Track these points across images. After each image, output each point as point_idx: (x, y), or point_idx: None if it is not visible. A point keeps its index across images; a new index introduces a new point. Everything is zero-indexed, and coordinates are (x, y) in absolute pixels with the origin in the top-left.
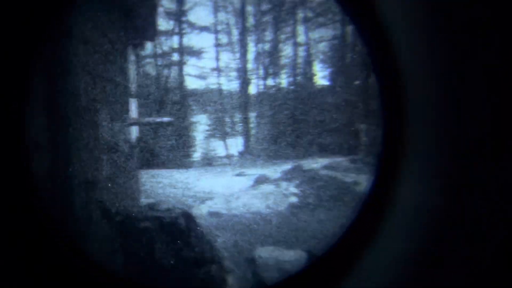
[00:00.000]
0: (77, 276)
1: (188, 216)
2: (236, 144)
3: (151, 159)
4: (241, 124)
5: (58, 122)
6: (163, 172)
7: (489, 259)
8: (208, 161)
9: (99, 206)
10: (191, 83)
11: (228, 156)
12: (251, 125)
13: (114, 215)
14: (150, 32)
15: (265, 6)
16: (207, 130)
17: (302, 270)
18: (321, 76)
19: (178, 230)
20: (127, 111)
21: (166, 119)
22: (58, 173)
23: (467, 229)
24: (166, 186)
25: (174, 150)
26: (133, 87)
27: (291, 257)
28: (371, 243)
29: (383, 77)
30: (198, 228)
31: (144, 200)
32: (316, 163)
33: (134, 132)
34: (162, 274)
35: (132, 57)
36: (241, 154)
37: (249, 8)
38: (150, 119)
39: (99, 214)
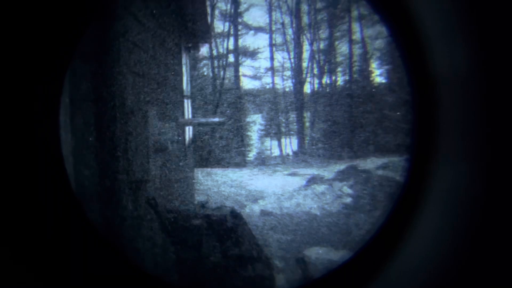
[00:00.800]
0: (122, 280)
1: (236, 215)
2: (290, 144)
3: (207, 158)
4: (295, 124)
5: (106, 122)
6: (218, 171)
7: None
8: (262, 161)
9: (150, 203)
10: (246, 84)
11: (283, 156)
12: (306, 125)
13: (165, 212)
14: (204, 34)
15: (319, 4)
16: (262, 130)
17: (335, 268)
18: (378, 74)
19: (226, 228)
20: (181, 111)
21: (217, 119)
22: (105, 172)
23: (506, 226)
24: (221, 185)
25: (229, 150)
26: (187, 88)
27: (341, 258)
28: (405, 240)
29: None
30: (246, 226)
31: (197, 198)
32: (371, 163)
33: (187, 132)
34: (209, 272)
35: (186, 59)
36: (296, 153)
37: (304, 7)
38: (203, 120)
39: (150, 212)
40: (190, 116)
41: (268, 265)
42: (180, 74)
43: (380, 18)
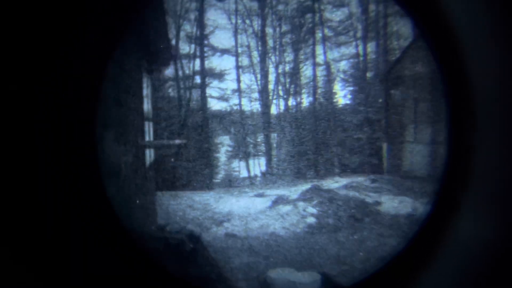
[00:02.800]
0: None
1: (195, 238)
2: (258, 165)
3: (172, 181)
4: (263, 145)
5: (62, 143)
6: (184, 193)
7: None
8: (230, 182)
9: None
10: (213, 105)
11: (250, 177)
12: (273, 145)
13: (122, 236)
14: (165, 58)
15: (284, 28)
16: (229, 151)
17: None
18: (342, 95)
19: (184, 251)
20: (141, 134)
21: (178, 141)
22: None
23: None
24: (186, 208)
25: (195, 172)
26: (148, 110)
27: (305, 279)
28: (422, 275)
29: (450, 85)
30: (206, 249)
31: (159, 222)
32: (335, 183)
33: (149, 154)
34: None
35: (147, 82)
36: (263, 174)
37: (269, 30)
38: (164, 141)
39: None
40: (151, 138)
41: (228, 286)
42: (140, 97)
43: (412, 20)
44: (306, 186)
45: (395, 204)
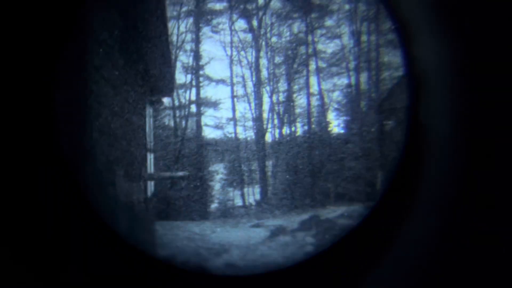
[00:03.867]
0: None
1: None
2: (253, 193)
3: (168, 211)
4: (258, 173)
5: (72, 185)
6: (180, 224)
7: None
8: (225, 212)
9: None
10: (209, 133)
11: (246, 206)
12: (268, 174)
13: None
14: (167, 88)
15: (278, 59)
16: (224, 179)
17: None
18: (336, 125)
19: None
20: (144, 166)
21: (181, 173)
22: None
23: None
24: (183, 239)
25: (191, 202)
26: (150, 141)
27: None
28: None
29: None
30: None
31: (160, 253)
32: (333, 212)
33: (149, 187)
34: None
35: (150, 113)
36: (258, 203)
37: (263, 61)
38: (166, 174)
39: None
40: (152, 169)
41: None
42: (144, 129)
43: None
44: (304, 216)
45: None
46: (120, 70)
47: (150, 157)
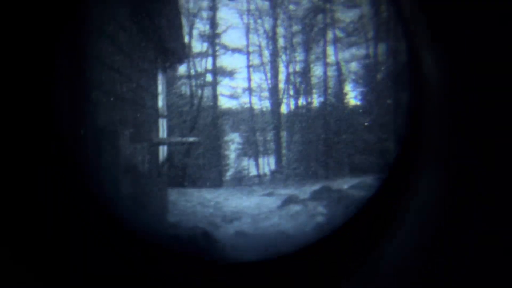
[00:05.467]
0: None
1: (207, 235)
2: (267, 163)
3: (182, 178)
4: (273, 143)
5: (76, 143)
6: (194, 191)
7: None
8: (239, 180)
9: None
10: (224, 103)
11: (260, 175)
12: (283, 144)
13: (133, 232)
14: (181, 54)
15: (295, 28)
16: (239, 149)
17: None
18: (352, 96)
19: (196, 249)
20: (156, 131)
21: (192, 138)
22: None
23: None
24: (196, 205)
25: (205, 169)
26: (163, 107)
27: None
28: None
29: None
30: (217, 247)
31: (170, 219)
32: (345, 183)
33: (162, 151)
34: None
35: (162, 79)
36: (273, 173)
37: (280, 30)
38: (178, 139)
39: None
40: (165, 135)
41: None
42: (155, 94)
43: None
44: (316, 186)
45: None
46: (131, 36)
47: (163, 123)
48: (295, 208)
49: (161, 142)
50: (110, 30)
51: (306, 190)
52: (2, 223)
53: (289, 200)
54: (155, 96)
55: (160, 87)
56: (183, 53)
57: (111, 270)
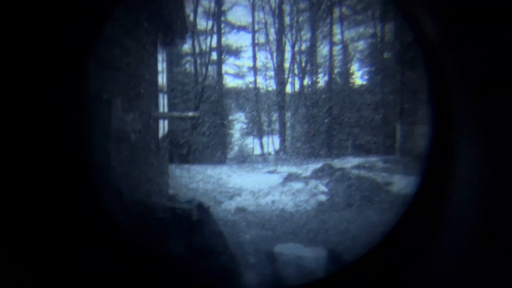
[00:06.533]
0: None
1: (203, 209)
2: (272, 142)
3: (186, 154)
4: (277, 123)
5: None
6: (198, 167)
7: None
8: (243, 159)
9: (115, 194)
10: (229, 81)
11: (264, 154)
12: (287, 124)
13: (131, 204)
14: (180, 30)
15: (302, 5)
16: (244, 128)
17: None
18: (358, 75)
19: (191, 222)
20: (155, 105)
21: (191, 113)
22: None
23: None
24: (199, 181)
25: (209, 147)
26: (163, 82)
27: (311, 254)
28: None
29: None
30: (213, 220)
31: (170, 193)
32: (348, 163)
33: (162, 126)
34: (172, 262)
35: (162, 54)
36: (277, 152)
37: (286, 8)
38: (176, 113)
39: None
40: (165, 110)
41: (233, 259)
42: (154, 68)
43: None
44: (319, 164)
45: (405, 184)
46: (131, 10)
47: (163, 98)
48: (296, 185)
49: (160, 116)
50: (107, 3)
51: (309, 168)
52: (2, 223)
53: (291, 178)
54: (154, 70)
55: (161, 63)
56: (184, 29)
57: (111, 270)
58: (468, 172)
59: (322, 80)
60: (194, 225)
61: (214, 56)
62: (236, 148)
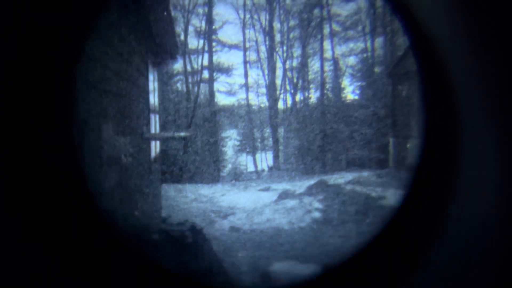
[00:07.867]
0: None
1: (196, 230)
2: (265, 159)
3: (179, 174)
4: (270, 139)
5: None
6: (191, 187)
7: None
8: (237, 176)
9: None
10: (221, 99)
11: (257, 171)
12: (280, 140)
13: (122, 227)
14: (171, 50)
15: (292, 22)
16: (237, 145)
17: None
18: (350, 90)
19: (185, 244)
20: (147, 126)
21: (183, 133)
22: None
23: None
24: (192, 201)
25: (202, 166)
26: (154, 103)
27: (306, 271)
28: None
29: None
30: (206, 241)
31: (163, 214)
32: (342, 178)
33: (154, 147)
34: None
35: (153, 74)
36: (270, 169)
37: (277, 25)
38: (169, 134)
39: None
40: (157, 130)
41: (228, 279)
42: (146, 89)
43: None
44: (313, 181)
45: (398, 197)
46: (118, 30)
47: (155, 118)
48: (290, 203)
49: (152, 137)
50: (97, 25)
51: (303, 185)
52: (2, 223)
53: (285, 195)
54: (145, 91)
55: (152, 83)
56: (175, 49)
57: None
58: (469, 172)
59: (314, 95)
60: (188, 247)
61: (205, 74)
62: (229, 165)
